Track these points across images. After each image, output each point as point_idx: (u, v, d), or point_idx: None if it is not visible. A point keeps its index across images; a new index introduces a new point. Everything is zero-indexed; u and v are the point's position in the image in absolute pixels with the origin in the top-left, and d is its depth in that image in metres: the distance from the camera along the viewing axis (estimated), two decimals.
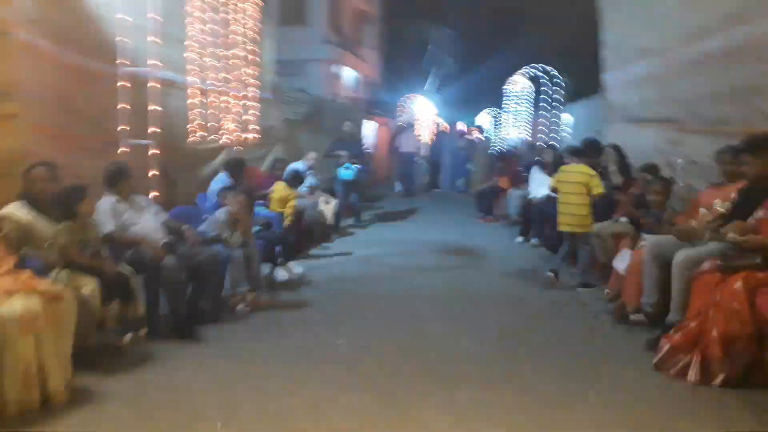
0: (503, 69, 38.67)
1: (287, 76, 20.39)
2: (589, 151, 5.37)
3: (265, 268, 5.70)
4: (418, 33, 50.13)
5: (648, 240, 4.16)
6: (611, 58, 9.10)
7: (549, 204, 7.07)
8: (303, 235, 7.00)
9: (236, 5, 8.44)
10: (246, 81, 8.85)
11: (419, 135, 15.82)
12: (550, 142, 10.05)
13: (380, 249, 7.61)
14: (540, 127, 15.30)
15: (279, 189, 6.74)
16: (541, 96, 15.53)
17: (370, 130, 17.49)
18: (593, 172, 5.20)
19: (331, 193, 9.40)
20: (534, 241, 7.82)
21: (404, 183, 14.98)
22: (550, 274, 5.52)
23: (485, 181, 13.90)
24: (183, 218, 5.09)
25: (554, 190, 5.62)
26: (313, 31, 20.61)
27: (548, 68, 14.47)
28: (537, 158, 9.09)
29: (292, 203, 6.53)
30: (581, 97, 14.71)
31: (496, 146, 16.29)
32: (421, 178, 15.47)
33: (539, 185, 7.53)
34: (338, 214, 8.70)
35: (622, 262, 4.45)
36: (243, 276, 4.85)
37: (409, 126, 15.89)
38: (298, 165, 7.84)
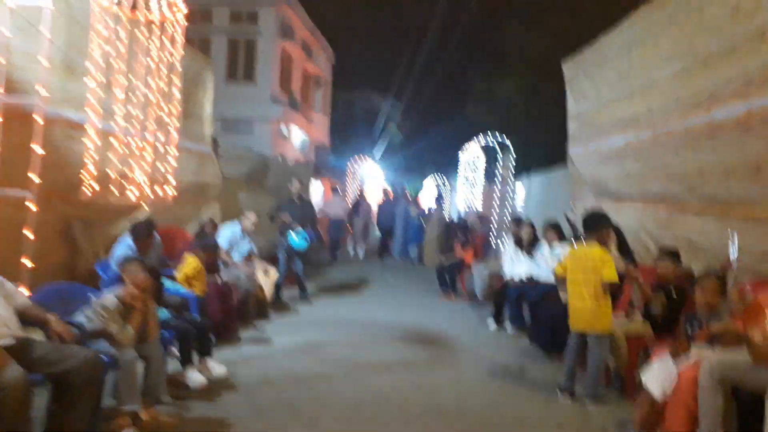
0: (448, 139, 39.36)
1: (234, 134, 19.32)
2: (595, 227, 4.24)
3: (175, 367, 4.20)
4: (366, 101, 50.85)
5: (706, 357, 3.01)
6: (581, 129, 8.38)
7: (529, 288, 6.01)
8: (231, 314, 5.49)
9: (162, 39, 7.24)
10: (168, 127, 7.54)
11: (366, 200, 14.73)
12: (518, 216, 9.05)
13: (328, 333, 6.16)
14: (492, 200, 14.61)
15: (190, 262, 5.03)
16: (494, 166, 14.87)
17: (318, 193, 16.31)
18: (608, 256, 4.09)
19: (272, 261, 8.02)
20: (510, 328, 6.53)
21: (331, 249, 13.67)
22: (565, 396, 4.25)
23: (441, 253, 12.85)
24: (57, 300, 3.59)
25: (559, 277, 4.48)
26: (261, 90, 19.65)
27: (500, 138, 13.91)
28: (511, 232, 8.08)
29: (196, 274, 4.97)
30: (531, 169, 14.16)
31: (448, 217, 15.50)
32: (363, 244, 14.22)
33: (514, 264, 6.43)
34: (279, 286, 7.29)
35: (655, 380, 3.27)
36: (133, 387, 3.36)
37: (342, 191, 14.87)
38: (231, 228, 6.43)
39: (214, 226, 6.07)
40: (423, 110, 42.55)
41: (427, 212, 13.69)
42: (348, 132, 39.14)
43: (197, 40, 19.66)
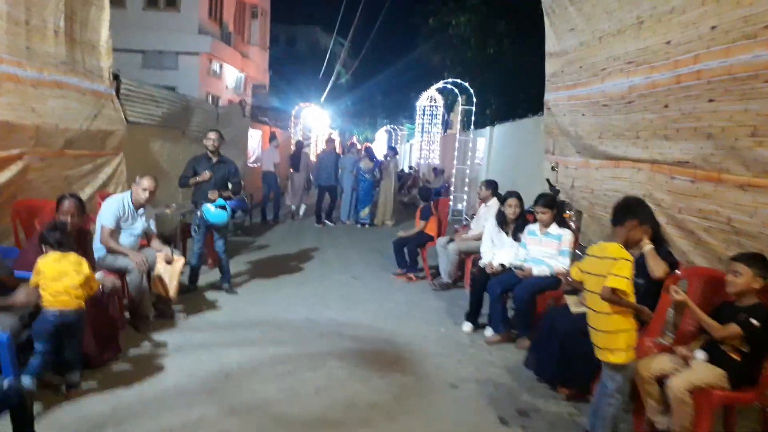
0: (401, 84, 37.64)
1: (155, 70, 17.20)
2: (621, 219, 3.02)
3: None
4: (309, 36, 47.86)
5: None
6: (564, 70, 7.23)
7: (516, 280, 4.76)
8: (108, 332, 4.00)
9: None
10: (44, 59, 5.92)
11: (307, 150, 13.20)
12: (493, 181, 7.65)
13: (250, 351, 4.45)
14: (451, 152, 13.49)
15: (48, 262, 3.37)
16: (452, 114, 13.66)
17: (255, 141, 14.68)
18: (623, 253, 2.90)
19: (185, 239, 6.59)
20: (489, 332, 5.04)
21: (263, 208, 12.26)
22: None
23: (395, 213, 11.66)
24: None
25: (573, 285, 3.32)
26: (186, 19, 17.39)
27: (463, 83, 12.67)
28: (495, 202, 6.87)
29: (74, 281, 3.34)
30: (493, 119, 13.08)
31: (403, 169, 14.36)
32: (302, 202, 12.78)
33: (495, 247, 5.27)
34: (195, 272, 5.93)
35: None
36: None
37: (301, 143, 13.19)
38: (116, 201, 4.79)
39: (77, 206, 4.07)
40: (373, 50, 40.44)
41: (383, 165, 12.38)
42: (290, 72, 36.72)
43: None
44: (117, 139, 7.39)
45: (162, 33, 17.00)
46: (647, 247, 3.54)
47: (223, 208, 5.52)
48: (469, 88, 12.63)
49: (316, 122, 21.20)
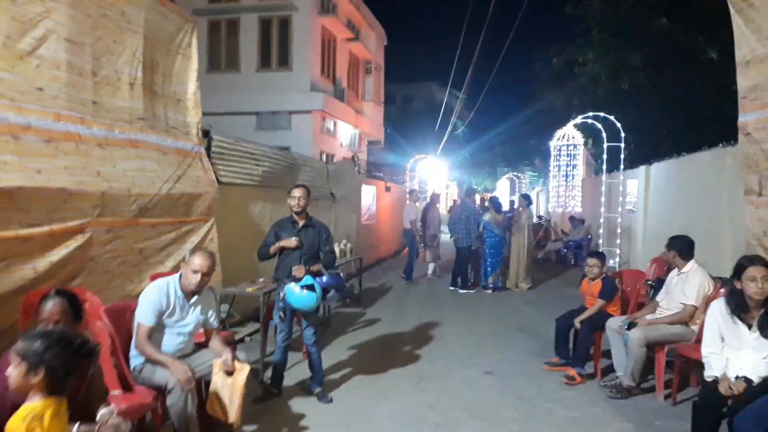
0: (521, 129, 35.96)
1: (269, 131, 17.13)
2: None
3: None
4: (426, 93, 48.22)
5: None
6: (766, 85, 5.26)
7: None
8: None
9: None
10: (116, 114, 5.13)
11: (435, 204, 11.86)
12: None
13: None
14: (598, 197, 11.47)
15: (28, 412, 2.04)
16: (598, 153, 11.71)
17: (369, 197, 13.69)
18: None
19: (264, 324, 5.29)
20: None
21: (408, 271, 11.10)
22: None
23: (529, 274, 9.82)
24: None
25: None
26: (298, 77, 17.20)
27: (608, 117, 10.76)
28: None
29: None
30: (642, 158, 10.93)
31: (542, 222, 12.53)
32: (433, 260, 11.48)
33: (734, 346, 3.24)
34: (279, 374, 4.61)
35: None
36: None
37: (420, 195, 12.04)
38: (159, 288, 3.51)
39: (65, 308, 2.87)
40: (490, 98, 39.46)
41: (516, 219, 10.68)
42: (407, 128, 36.64)
43: (224, 22, 17.58)
44: (206, 203, 6.47)
45: (275, 93, 16.93)
46: None
47: (311, 288, 4.19)
48: (615, 122, 10.69)
49: (432, 174, 20.03)
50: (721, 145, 7.42)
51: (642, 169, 10.87)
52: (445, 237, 11.54)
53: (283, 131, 16.90)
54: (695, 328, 4.36)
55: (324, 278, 4.35)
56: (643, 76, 16.24)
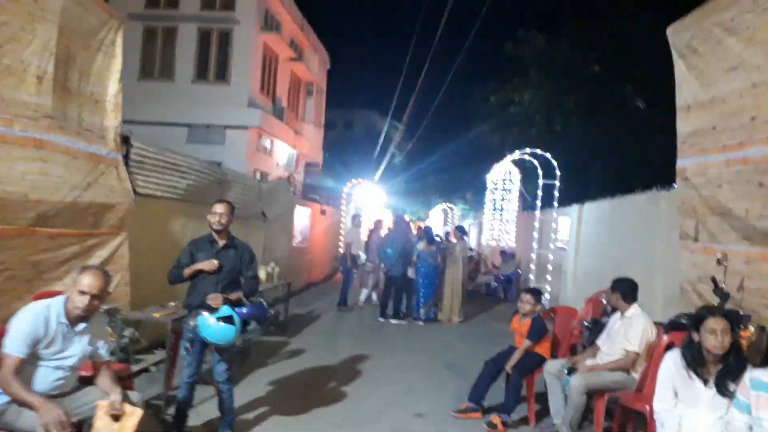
0: (457, 164, 36.60)
1: (202, 144, 16.38)
2: None
3: None
4: (366, 121, 48.58)
5: None
6: (712, 124, 5.31)
7: None
8: None
9: None
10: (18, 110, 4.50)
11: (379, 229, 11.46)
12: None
13: None
14: (531, 232, 11.50)
15: None
16: (533, 189, 11.79)
17: (303, 219, 13.18)
18: None
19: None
20: None
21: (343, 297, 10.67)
22: None
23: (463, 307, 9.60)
24: None
25: None
26: (236, 92, 16.61)
27: (544, 155, 10.86)
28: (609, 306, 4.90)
29: None
30: (579, 199, 11.09)
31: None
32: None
33: (688, 403, 3.02)
34: (182, 413, 4.00)
35: None
36: None
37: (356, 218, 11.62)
38: (35, 313, 2.88)
39: None
40: (429, 131, 40.09)
41: (449, 250, 10.49)
42: (346, 154, 36.50)
43: (161, 29, 16.78)
44: (119, 215, 5.83)
45: (210, 106, 16.24)
46: None
47: (229, 319, 3.68)
48: (552, 160, 10.80)
49: (369, 201, 19.75)
50: (655, 188, 7.51)
51: (575, 207, 11.00)
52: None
53: (216, 146, 16.19)
54: (636, 375, 4.16)
55: (244, 308, 3.84)
56: (575, 119, 16.86)
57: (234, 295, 3.87)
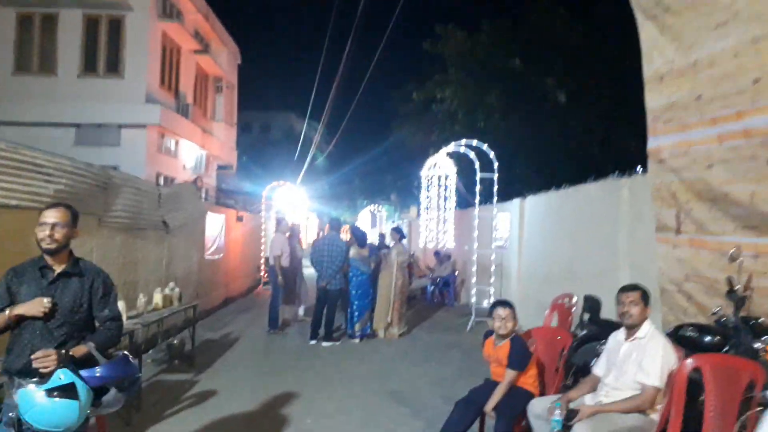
0: (381, 165, 35.99)
1: (93, 146, 14.41)
2: None
3: None
4: (284, 123, 47.12)
5: None
6: (702, 96, 4.50)
7: None
8: None
9: None
10: None
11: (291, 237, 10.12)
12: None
13: None
14: (467, 231, 10.63)
15: None
16: (470, 185, 10.94)
17: (215, 228, 11.64)
18: None
19: None
20: None
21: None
22: None
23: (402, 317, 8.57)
24: None
25: None
26: (131, 86, 14.73)
27: (480, 146, 10.00)
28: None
29: None
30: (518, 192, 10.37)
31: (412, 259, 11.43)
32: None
33: None
34: None
35: None
36: None
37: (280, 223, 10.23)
38: None
39: None
40: (349, 133, 39.24)
41: (385, 255, 9.38)
42: (265, 157, 34.90)
43: (38, 16, 14.61)
44: None
45: (101, 103, 14.26)
46: None
47: (69, 391, 2.36)
48: (488, 151, 9.93)
49: (291, 205, 18.39)
50: (613, 175, 6.76)
51: (515, 202, 10.22)
52: (309, 271, 9.91)
53: (110, 147, 14.25)
54: (656, 416, 3.19)
55: (97, 369, 2.53)
56: (498, 114, 16.54)
57: (78, 350, 2.55)
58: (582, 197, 7.64)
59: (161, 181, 15.27)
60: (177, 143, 16.85)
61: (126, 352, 2.79)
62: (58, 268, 2.75)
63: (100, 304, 2.79)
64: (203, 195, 14.46)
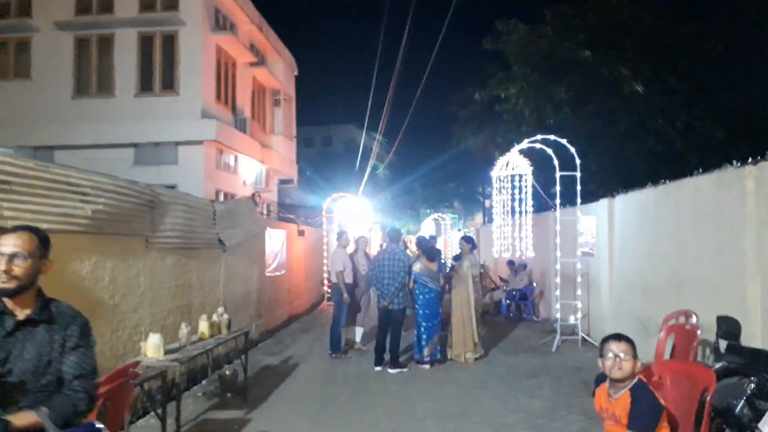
0: (443, 173, 35.13)
1: (152, 165, 14.37)
2: None
3: None
4: (345, 135, 47.16)
5: None
6: None
7: None
8: None
9: None
10: None
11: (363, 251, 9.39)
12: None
13: None
14: (546, 237, 9.53)
15: None
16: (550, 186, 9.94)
17: (277, 243, 11.16)
18: None
19: None
20: None
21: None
22: None
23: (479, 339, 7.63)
24: None
25: None
26: (187, 102, 14.58)
27: (560, 141, 8.95)
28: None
29: None
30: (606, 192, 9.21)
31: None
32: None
33: None
34: None
35: None
36: None
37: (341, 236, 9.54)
38: None
39: None
40: (410, 141, 38.69)
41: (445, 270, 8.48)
42: (327, 170, 34.81)
43: (95, 38, 14.75)
44: None
45: (158, 121, 14.21)
46: None
47: None
48: (569, 147, 8.87)
49: (354, 216, 17.80)
50: (731, 165, 5.60)
51: (603, 203, 9.07)
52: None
53: (168, 166, 14.13)
54: None
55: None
56: (567, 110, 15.43)
57: (22, 417, 1.85)
58: (687, 193, 6.48)
59: (221, 197, 15.03)
60: (236, 159, 16.64)
61: (95, 421, 2.09)
62: (21, 314, 2.09)
63: (70, 356, 2.10)
64: (264, 210, 14.05)
